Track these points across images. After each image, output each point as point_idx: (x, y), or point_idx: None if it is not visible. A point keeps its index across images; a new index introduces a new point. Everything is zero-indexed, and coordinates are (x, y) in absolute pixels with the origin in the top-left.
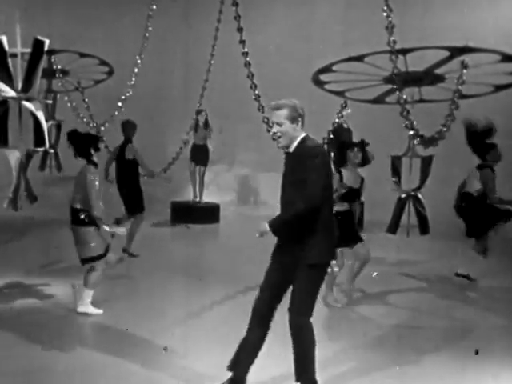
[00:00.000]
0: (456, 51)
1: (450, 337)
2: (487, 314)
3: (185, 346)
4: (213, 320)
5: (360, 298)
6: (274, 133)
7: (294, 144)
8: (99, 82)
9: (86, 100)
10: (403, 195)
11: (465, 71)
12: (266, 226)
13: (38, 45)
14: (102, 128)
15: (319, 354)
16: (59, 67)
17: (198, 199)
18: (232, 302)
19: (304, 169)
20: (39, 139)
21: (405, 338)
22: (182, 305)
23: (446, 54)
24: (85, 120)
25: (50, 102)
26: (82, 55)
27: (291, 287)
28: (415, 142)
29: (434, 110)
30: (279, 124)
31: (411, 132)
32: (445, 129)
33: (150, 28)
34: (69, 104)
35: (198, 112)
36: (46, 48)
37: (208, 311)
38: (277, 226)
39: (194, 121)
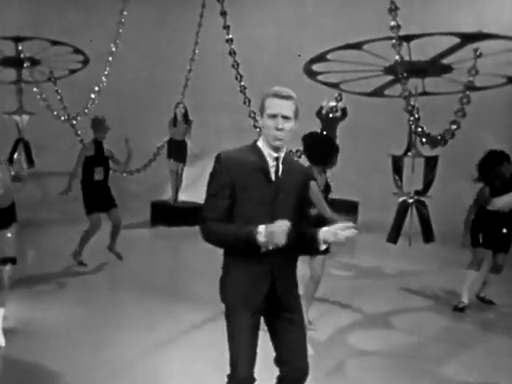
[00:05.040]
0: (468, 38)
1: (454, 369)
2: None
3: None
4: (195, 333)
5: (356, 316)
6: (279, 129)
7: (284, 149)
8: (74, 71)
9: (59, 91)
10: (410, 200)
11: (478, 61)
12: None
13: None
14: (74, 122)
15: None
16: (28, 56)
17: (174, 198)
18: (213, 311)
19: (305, 188)
20: None
21: (403, 368)
22: (154, 321)
23: (456, 40)
24: (55, 113)
25: None
26: (54, 43)
27: (282, 334)
28: (422, 141)
29: (433, 104)
30: (287, 118)
31: (418, 129)
32: (455, 126)
33: (124, 12)
34: (38, 96)
35: (176, 105)
36: None
37: (189, 326)
38: None
39: (173, 115)
